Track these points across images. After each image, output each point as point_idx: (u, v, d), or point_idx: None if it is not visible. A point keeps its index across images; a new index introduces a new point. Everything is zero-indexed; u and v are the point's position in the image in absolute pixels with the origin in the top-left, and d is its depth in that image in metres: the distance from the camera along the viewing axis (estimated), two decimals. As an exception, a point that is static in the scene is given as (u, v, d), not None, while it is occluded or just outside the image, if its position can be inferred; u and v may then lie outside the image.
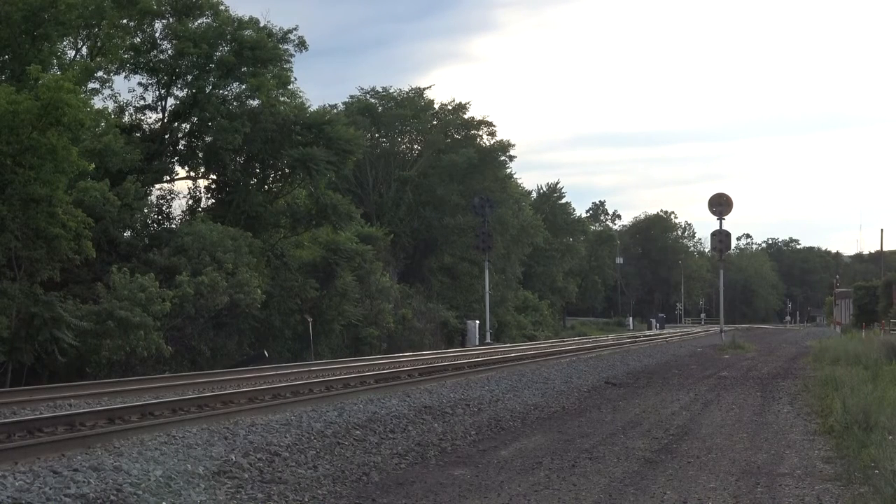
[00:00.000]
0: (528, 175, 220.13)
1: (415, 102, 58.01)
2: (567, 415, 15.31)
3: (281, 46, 35.48)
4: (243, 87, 35.21)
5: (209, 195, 36.97)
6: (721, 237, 43.95)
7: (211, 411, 13.74)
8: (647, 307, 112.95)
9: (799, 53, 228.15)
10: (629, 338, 53.30)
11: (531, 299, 66.72)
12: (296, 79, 38.35)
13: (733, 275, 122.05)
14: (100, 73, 32.26)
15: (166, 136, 35.34)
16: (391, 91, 58.50)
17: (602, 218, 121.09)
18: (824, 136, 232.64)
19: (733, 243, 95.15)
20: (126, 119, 34.80)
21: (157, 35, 34.78)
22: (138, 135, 34.13)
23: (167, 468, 9.24)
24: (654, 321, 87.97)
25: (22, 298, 22.84)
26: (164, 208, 34.39)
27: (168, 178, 35.56)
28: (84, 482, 8.48)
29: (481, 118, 59.26)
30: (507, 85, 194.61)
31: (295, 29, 36.07)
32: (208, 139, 35.39)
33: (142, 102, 35.25)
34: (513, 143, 69.71)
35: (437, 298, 51.04)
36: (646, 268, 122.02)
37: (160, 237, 31.22)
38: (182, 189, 48.67)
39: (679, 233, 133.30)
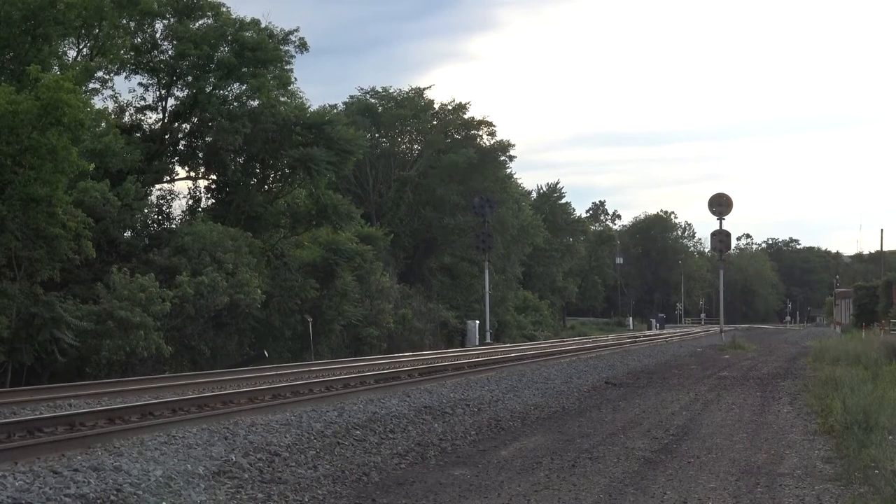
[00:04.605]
0: (528, 175, 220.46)
1: (415, 102, 58.01)
2: (567, 415, 15.31)
3: (282, 48, 35.48)
4: (244, 87, 35.19)
5: (209, 195, 36.96)
6: (721, 237, 43.93)
7: (211, 411, 13.74)
8: (647, 307, 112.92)
9: (799, 53, 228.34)
10: (629, 338, 53.27)
11: (531, 299, 66.69)
12: (296, 79, 38.37)
13: (733, 275, 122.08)
14: (100, 74, 32.22)
15: (166, 137, 35.32)
16: (391, 91, 58.60)
17: (602, 218, 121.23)
18: (824, 136, 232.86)
19: (733, 243, 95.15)
20: (126, 119, 34.78)
21: (157, 35, 34.77)
22: (138, 135, 34.11)
23: (167, 468, 9.24)
24: (654, 321, 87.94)
25: (22, 298, 22.84)
26: (164, 208, 34.36)
27: (168, 179, 35.56)
28: (84, 482, 8.49)
29: (481, 118, 59.31)
30: (507, 85, 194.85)
31: (296, 30, 36.11)
32: (208, 139, 35.38)
33: (142, 103, 35.27)
34: (513, 143, 69.71)
35: (437, 298, 51.02)
36: (646, 268, 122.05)
37: (160, 237, 31.21)
38: (182, 189, 48.67)
39: (679, 233, 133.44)
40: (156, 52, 34.66)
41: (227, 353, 29.56)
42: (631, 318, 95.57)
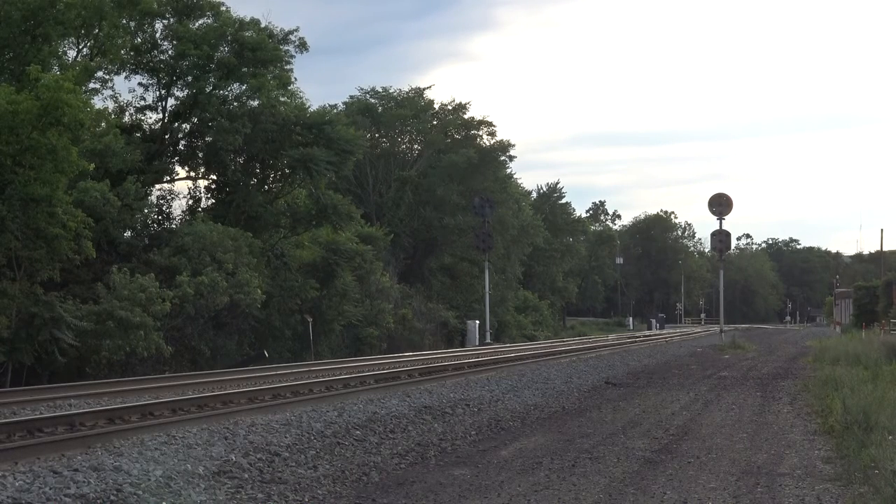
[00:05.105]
0: (528, 175, 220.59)
1: (415, 102, 58.02)
2: (567, 415, 15.31)
3: (281, 47, 35.50)
4: (244, 87, 35.22)
5: (209, 195, 37.00)
6: (721, 237, 43.91)
7: (211, 411, 13.74)
8: (647, 307, 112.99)
9: (799, 53, 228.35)
10: (629, 338, 53.28)
11: (531, 299, 66.69)
12: (296, 79, 38.41)
13: (733, 275, 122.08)
14: (100, 73, 32.29)
15: (166, 137, 35.35)
16: (391, 91, 58.65)
17: (602, 218, 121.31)
18: (824, 136, 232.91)
19: (733, 243, 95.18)
20: (126, 119, 34.81)
21: (157, 35, 34.82)
22: (138, 135, 34.14)
23: (167, 468, 9.24)
24: (654, 321, 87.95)
25: (22, 298, 22.84)
26: (164, 208, 34.41)
27: (168, 179, 35.58)
28: (84, 482, 8.49)
29: (481, 118, 59.33)
30: (507, 85, 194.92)
31: (296, 30, 36.21)
32: (208, 139, 35.40)
33: (142, 103, 35.34)
34: (513, 143, 69.69)
35: (437, 298, 51.02)
36: (646, 268, 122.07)
37: (160, 237, 31.22)
38: (182, 189, 48.74)
39: (679, 233, 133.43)
40: (156, 52, 34.70)
41: (227, 353, 29.56)
42: (631, 318, 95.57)
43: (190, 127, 36.12)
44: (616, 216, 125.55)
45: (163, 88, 35.13)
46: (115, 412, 12.76)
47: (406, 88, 61.76)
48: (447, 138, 57.97)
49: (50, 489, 8.16)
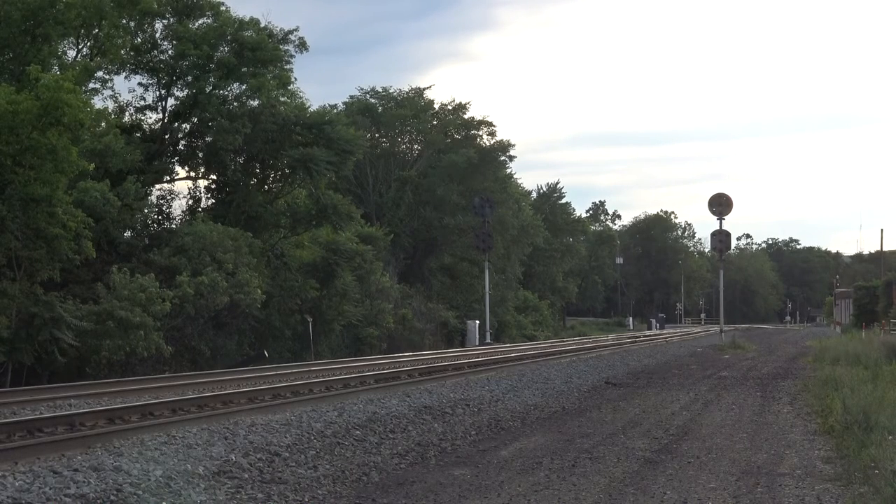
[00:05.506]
0: (528, 175, 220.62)
1: (415, 102, 58.02)
2: (567, 415, 15.31)
3: (281, 47, 35.51)
4: (244, 87, 35.23)
5: (209, 195, 37.00)
6: (721, 237, 43.91)
7: (211, 411, 13.74)
8: (647, 307, 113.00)
9: (799, 53, 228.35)
10: (629, 338, 53.27)
11: (531, 299, 66.69)
12: (296, 79, 38.42)
13: (733, 275, 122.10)
14: (100, 73, 32.30)
15: (166, 137, 35.35)
16: (391, 91, 58.65)
17: (602, 218, 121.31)
18: (824, 136, 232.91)
19: (733, 243, 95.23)
20: (126, 119, 34.82)
21: (157, 35, 34.84)
22: (138, 135, 34.14)
23: (167, 468, 9.24)
24: (654, 321, 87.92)
25: (22, 298, 22.84)
26: (164, 208, 34.40)
27: (168, 179, 35.59)
28: (84, 482, 8.49)
29: (481, 118, 59.29)
30: (507, 85, 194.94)
31: (295, 30, 36.21)
32: (208, 139, 35.41)
33: (142, 103, 35.35)
34: (513, 143, 69.62)
35: (437, 298, 51.01)
36: (646, 268, 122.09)
37: (160, 237, 31.22)
38: (182, 189, 48.75)
39: (679, 233, 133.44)
40: (156, 52, 34.71)
41: (227, 353, 29.57)
42: (631, 318, 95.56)
43: (190, 127, 36.13)
44: (616, 216, 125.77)
45: (163, 88, 35.15)
46: (115, 412, 12.76)
47: (406, 88, 61.87)
48: (447, 138, 57.96)
49: (50, 489, 8.16)
